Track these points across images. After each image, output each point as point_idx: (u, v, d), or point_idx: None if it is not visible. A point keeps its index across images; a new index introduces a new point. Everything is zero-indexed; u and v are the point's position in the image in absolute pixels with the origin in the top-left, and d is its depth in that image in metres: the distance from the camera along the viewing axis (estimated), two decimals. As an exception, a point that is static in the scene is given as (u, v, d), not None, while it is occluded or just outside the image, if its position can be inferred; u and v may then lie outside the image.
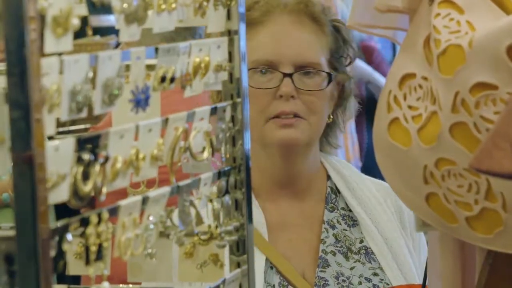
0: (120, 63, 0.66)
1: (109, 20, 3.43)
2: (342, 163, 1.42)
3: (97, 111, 0.63)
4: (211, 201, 0.86)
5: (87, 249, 0.60)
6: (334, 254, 1.31)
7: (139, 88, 0.69)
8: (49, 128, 0.54)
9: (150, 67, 0.72)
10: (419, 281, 1.17)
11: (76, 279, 1.14)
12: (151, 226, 0.71)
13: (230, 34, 0.92)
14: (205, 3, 0.83)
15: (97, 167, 0.61)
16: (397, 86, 0.91)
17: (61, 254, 0.56)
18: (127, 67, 0.68)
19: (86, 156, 0.59)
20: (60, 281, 0.94)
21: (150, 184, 0.86)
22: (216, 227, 0.87)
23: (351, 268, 1.30)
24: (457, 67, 0.80)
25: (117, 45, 3.13)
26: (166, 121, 0.75)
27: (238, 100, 0.92)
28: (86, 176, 0.59)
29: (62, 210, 1.36)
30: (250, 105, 1.31)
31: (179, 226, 0.79)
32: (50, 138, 0.55)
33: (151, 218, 0.71)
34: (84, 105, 0.59)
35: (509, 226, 0.82)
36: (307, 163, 1.36)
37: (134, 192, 0.90)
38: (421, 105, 0.87)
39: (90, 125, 2.70)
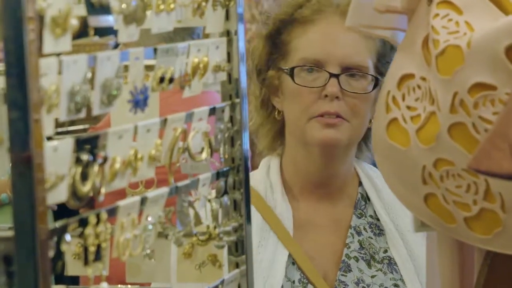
0: (119, 64, 0.66)
1: (108, 20, 3.43)
2: (375, 171, 1.40)
3: (95, 111, 0.63)
4: (209, 201, 0.86)
5: (85, 249, 0.60)
6: (357, 260, 1.30)
7: (138, 89, 0.69)
8: (48, 128, 0.54)
9: (148, 68, 0.72)
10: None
11: (75, 280, 1.14)
12: (150, 227, 0.71)
13: (229, 34, 0.92)
14: (203, 4, 0.83)
15: (95, 168, 0.60)
16: (396, 87, 0.90)
17: (59, 254, 0.56)
18: (126, 68, 0.68)
19: (85, 157, 0.59)
20: (58, 281, 0.94)
21: (148, 184, 0.86)
22: (215, 227, 0.87)
23: (372, 276, 1.29)
24: (455, 68, 0.80)
25: (116, 46, 3.14)
26: (164, 122, 0.75)
27: (237, 100, 0.92)
28: (84, 177, 0.59)
29: (60, 211, 1.37)
30: (294, 103, 1.31)
31: (178, 226, 0.79)
32: (49, 138, 0.55)
33: (149, 218, 0.71)
34: (83, 105, 0.59)
35: (507, 226, 0.81)
36: (343, 166, 1.35)
37: (132, 193, 0.90)
38: (420, 105, 0.87)
39: (89, 126, 2.70)
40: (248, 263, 0.92)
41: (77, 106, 0.58)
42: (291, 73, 1.28)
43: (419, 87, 0.87)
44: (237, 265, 0.92)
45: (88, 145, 0.60)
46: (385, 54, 1.33)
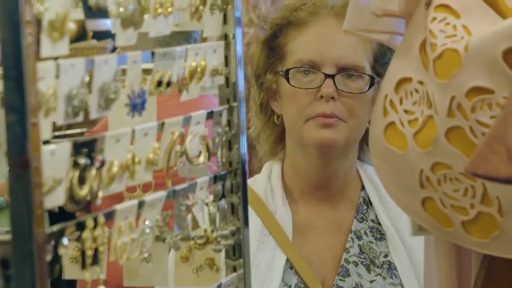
0: (117, 67, 0.66)
1: (106, 24, 3.43)
2: (374, 174, 1.40)
3: (93, 115, 0.63)
4: (207, 205, 0.86)
5: (83, 253, 0.60)
6: (356, 264, 1.30)
7: (135, 92, 0.69)
8: (45, 132, 0.54)
9: (146, 71, 0.72)
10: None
11: (72, 284, 1.14)
12: (147, 231, 0.71)
13: (227, 38, 0.92)
14: (201, 7, 0.83)
15: (93, 171, 0.60)
16: (393, 91, 0.90)
17: (57, 258, 0.56)
18: (124, 71, 0.68)
19: (82, 160, 0.59)
20: (55, 285, 0.94)
21: (146, 188, 0.86)
22: (212, 231, 0.87)
23: (371, 281, 1.29)
24: (453, 72, 0.80)
25: (114, 49, 3.14)
26: (162, 126, 0.75)
27: (234, 104, 0.92)
28: (82, 180, 0.59)
29: (57, 214, 1.36)
30: (290, 105, 1.31)
31: (175, 230, 0.79)
32: (46, 142, 0.54)
33: (147, 222, 0.71)
34: (80, 109, 0.59)
35: (505, 230, 0.81)
36: (343, 168, 1.35)
37: (130, 196, 0.90)
38: (417, 109, 0.87)
39: (86, 129, 2.69)
40: (246, 267, 0.92)
41: (74, 110, 0.58)
42: (287, 75, 1.29)
43: (416, 91, 0.87)
44: (234, 269, 0.92)
45: (86, 149, 0.60)
46: (383, 55, 1.32)
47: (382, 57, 1.33)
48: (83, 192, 0.59)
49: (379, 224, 1.33)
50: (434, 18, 0.84)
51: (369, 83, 1.30)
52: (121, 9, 0.65)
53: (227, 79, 0.92)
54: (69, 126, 2.68)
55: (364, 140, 1.35)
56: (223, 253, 0.92)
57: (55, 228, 0.56)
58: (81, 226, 0.60)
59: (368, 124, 1.30)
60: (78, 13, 0.61)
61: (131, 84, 0.69)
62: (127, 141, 0.68)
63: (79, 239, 0.60)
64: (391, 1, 0.93)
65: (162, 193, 0.75)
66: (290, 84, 1.28)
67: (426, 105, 0.85)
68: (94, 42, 3.49)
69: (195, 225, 0.84)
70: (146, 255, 0.73)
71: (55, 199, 0.56)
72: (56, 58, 0.55)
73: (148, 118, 0.73)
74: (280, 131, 1.35)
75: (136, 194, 0.88)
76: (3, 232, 0.65)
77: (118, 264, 0.68)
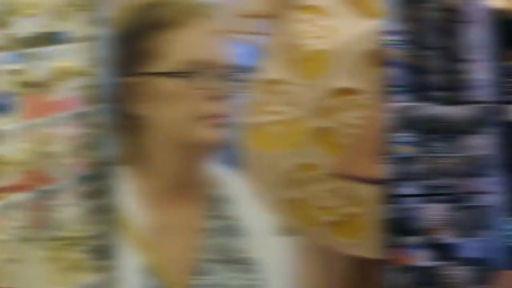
0: (-16, 68, 0.64)
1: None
2: (232, 173, 1.41)
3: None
4: (74, 206, 0.85)
5: None
6: (213, 262, 1.29)
7: (2, 93, 0.68)
8: None
9: (13, 72, 0.71)
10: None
11: None
12: (14, 231, 0.70)
13: (93, 39, 0.92)
14: (68, 9, 0.83)
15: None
16: (261, 92, 0.93)
17: None
18: (-9, 72, 0.67)
19: None
20: None
21: (13, 189, 0.83)
22: (79, 232, 0.86)
23: (229, 278, 1.28)
24: (320, 73, 0.83)
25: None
26: (29, 126, 0.74)
27: (101, 105, 0.92)
28: None
29: None
30: (173, 105, 1.22)
31: (43, 231, 0.78)
32: None
33: (13, 223, 0.70)
34: None
35: (371, 231, 0.86)
36: (204, 167, 1.32)
37: (-3, 197, 0.86)
38: (285, 110, 0.88)
39: None
40: (112, 269, 0.93)
41: None
42: (170, 76, 1.25)
43: (284, 92, 0.89)
44: (102, 270, 0.92)
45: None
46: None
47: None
48: None
49: (235, 221, 1.36)
50: (301, 19, 0.87)
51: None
52: (-12, 10, 0.63)
53: (93, 80, 0.92)
54: None
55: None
56: (89, 254, 0.91)
57: None
58: None
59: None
60: None
61: (-2, 84, 0.68)
62: (-6, 142, 0.66)
63: None
64: (256, 2, 0.94)
65: (29, 194, 0.74)
66: (178, 85, 1.26)
67: (294, 106, 0.87)
68: None
69: (62, 226, 0.83)
70: (13, 255, 0.71)
71: None
72: None
73: (15, 119, 0.71)
74: (138, 132, 1.31)
75: (3, 195, 0.84)
76: None
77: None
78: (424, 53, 1.50)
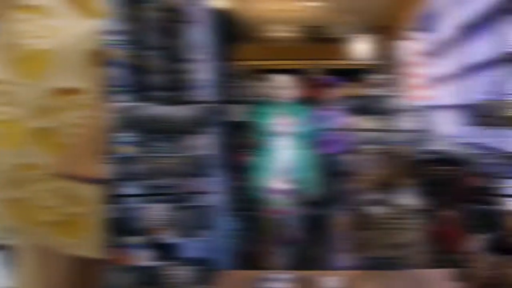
0: None
1: None
2: None
3: None
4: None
5: None
6: None
7: None
8: None
9: None
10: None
11: None
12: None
13: None
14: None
15: None
16: None
17: None
18: None
19: None
20: None
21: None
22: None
23: None
24: (41, 72, 0.80)
25: None
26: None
27: None
28: None
29: None
30: None
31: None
32: None
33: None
34: None
35: (93, 231, 0.85)
36: None
37: None
38: (6, 110, 0.83)
39: None
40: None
41: None
42: None
43: (5, 92, 0.84)
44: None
45: None
46: None
47: None
48: None
49: None
50: (21, 19, 0.82)
51: None
52: None
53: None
54: None
55: None
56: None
57: None
58: None
59: None
60: None
61: None
62: None
63: None
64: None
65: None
66: None
67: (15, 106, 0.82)
68: None
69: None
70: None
71: None
72: None
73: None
74: None
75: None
76: None
77: None
78: (146, 53, 1.54)
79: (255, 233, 2.65)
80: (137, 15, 1.53)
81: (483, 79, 2.63)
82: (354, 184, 2.06)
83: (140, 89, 1.51)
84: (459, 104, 3.19)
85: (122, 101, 1.29)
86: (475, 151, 1.00)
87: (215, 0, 2.08)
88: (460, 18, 3.19)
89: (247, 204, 4.07)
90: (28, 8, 0.84)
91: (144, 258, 1.05)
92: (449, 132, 3.50)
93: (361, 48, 3.77)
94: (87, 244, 0.87)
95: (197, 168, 1.07)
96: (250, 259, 2.75)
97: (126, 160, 1.08)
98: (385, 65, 5.20)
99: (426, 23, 4.62)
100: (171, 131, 1.07)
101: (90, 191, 0.84)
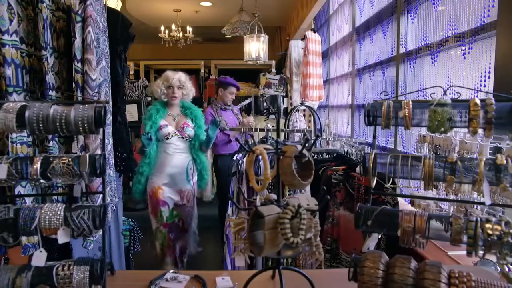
0: None
1: None
2: None
3: None
4: None
5: None
6: None
7: None
8: None
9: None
10: None
11: None
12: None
13: None
14: None
15: None
16: None
17: None
18: None
19: None
20: None
21: None
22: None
23: None
24: None
25: None
26: None
27: None
28: None
29: None
30: None
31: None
32: None
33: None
34: None
35: None
36: None
37: None
38: None
39: None
40: None
41: None
42: None
43: None
44: None
45: None
46: None
47: None
48: None
49: None
50: None
51: None
52: None
53: None
54: None
55: None
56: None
57: None
58: None
59: None
60: None
61: None
62: None
63: None
64: None
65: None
66: None
67: None
68: None
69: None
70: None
71: None
72: None
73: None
74: None
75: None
76: None
77: None
78: (39, 53, 1.50)
79: (146, 234, 2.63)
80: (30, 15, 1.49)
81: (376, 79, 2.81)
82: (247, 184, 2.10)
83: (34, 88, 1.47)
84: (352, 104, 3.40)
85: (15, 100, 1.25)
86: (369, 151, 1.07)
87: (108, 0, 2.05)
88: (353, 19, 3.41)
89: (138, 204, 4.01)
90: None
91: (37, 259, 1.04)
92: (343, 132, 3.72)
93: (255, 48, 3.84)
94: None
95: (90, 168, 1.07)
96: (143, 259, 2.73)
97: (19, 159, 1.06)
98: (279, 65, 5.37)
99: (320, 24, 4.86)
100: (64, 130, 1.07)
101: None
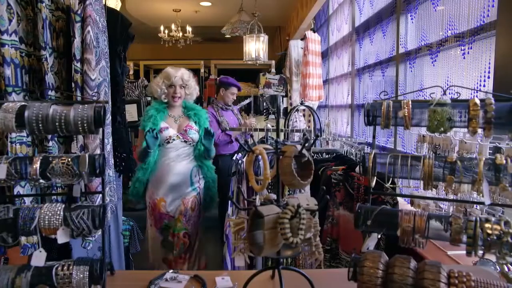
0: None
1: None
2: None
3: None
4: None
5: None
6: None
7: None
8: None
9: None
10: None
11: None
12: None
13: None
14: None
15: None
16: None
17: None
18: None
19: None
20: None
21: None
22: None
23: None
24: None
25: None
26: None
27: None
28: None
29: None
30: None
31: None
32: None
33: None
34: None
35: None
36: None
37: None
38: None
39: None
40: None
41: None
42: None
43: None
44: None
45: None
46: None
47: None
48: None
49: None
50: None
51: None
52: None
53: None
54: None
55: None
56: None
57: None
58: None
59: None
60: None
61: None
62: None
63: None
64: None
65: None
66: None
67: None
68: None
69: None
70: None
71: None
72: None
73: None
74: None
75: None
76: None
77: None
78: (38, 53, 1.49)
79: (146, 234, 2.61)
80: (29, 15, 1.49)
81: (376, 79, 2.81)
82: (247, 184, 2.09)
83: (33, 88, 1.47)
84: (352, 104, 3.40)
85: (14, 100, 1.25)
86: (369, 151, 1.07)
87: (107, 0, 2.05)
88: (353, 19, 3.41)
89: (138, 204, 4.00)
90: None
91: (36, 259, 1.04)
92: (343, 132, 3.72)
93: (254, 48, 3.84)
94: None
95: (90, 168, 1.07)
96: (143, 259, 2.72)
97: (18, 159, 1.06)
98: (279, 65, 5.37)
99: (320, 24, 4.86)
100: (64, 130, 1.07)
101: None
